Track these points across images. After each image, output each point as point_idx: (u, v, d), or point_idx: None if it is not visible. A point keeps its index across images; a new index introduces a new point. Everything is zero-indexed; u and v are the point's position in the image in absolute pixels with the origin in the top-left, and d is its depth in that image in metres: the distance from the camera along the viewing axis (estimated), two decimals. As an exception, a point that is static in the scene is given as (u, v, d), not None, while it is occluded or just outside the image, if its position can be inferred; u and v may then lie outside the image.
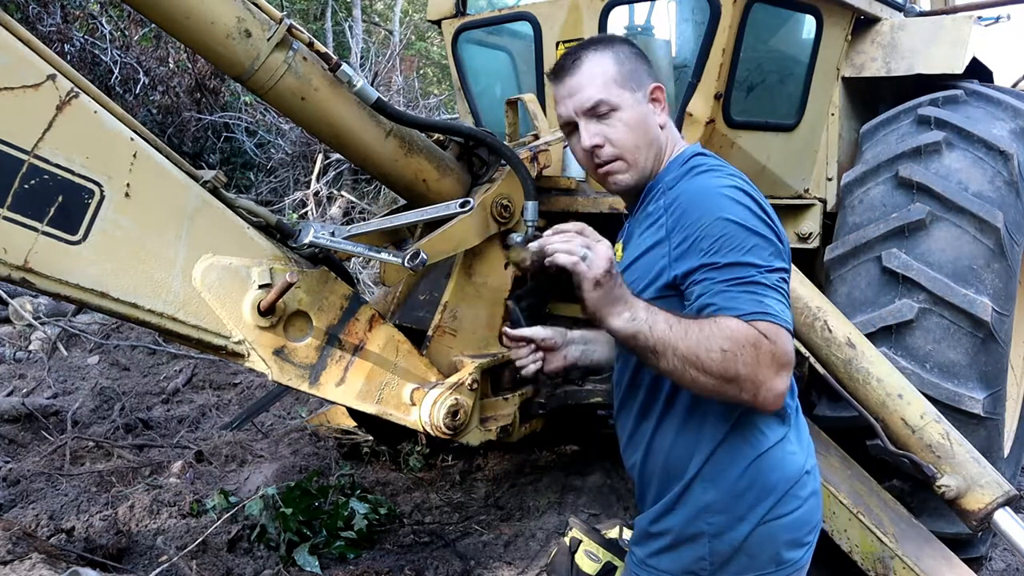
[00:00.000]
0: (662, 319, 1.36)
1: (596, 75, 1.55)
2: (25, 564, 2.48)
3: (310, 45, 2.09)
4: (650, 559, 1.60)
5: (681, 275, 1.42)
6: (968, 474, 2.41)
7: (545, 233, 1.44)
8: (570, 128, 1.61)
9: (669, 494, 1.57)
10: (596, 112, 1.55)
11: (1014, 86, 4.71)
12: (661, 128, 1.59)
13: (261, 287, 1.95)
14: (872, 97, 3.57)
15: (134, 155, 1.76)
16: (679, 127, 3.11)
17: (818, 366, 2.70)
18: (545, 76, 1.60)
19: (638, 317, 1.36)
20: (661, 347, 1.35)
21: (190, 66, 10.24)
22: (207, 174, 1.92)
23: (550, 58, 3.38)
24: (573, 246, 1.36)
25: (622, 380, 1.67)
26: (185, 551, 2.89)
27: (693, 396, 1.48)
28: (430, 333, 2.46)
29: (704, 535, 1.53)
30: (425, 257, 2.08)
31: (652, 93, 1.58)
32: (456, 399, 2.27)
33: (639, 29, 3.46)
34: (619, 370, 1.70)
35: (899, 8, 3.68)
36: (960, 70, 3.23)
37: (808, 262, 3.35)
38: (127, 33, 10.11)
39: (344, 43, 12.19)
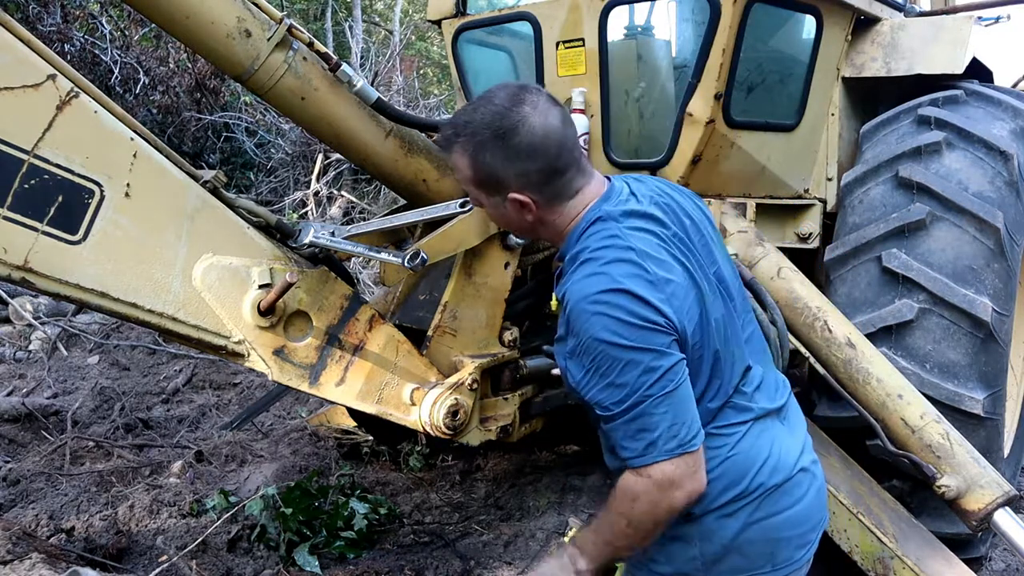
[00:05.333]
0: (591, 543, 1.53)
1: (458, 171, 1.58)
2: (25, 564, 2.48)
3: (310, 45, 2.09)
4: (645, 558, 1.62)
5: (575, 384, 1.48)
6: (968, 474, 2.41)
7: None
8: None
9: None
10: None
11: (1014, 86, 4.71)
12: (532, 224, 1.56)
13: (261, 287, 1.95)
14: (872, 97, 3.57)
15: (134, 155, 1.76)
16: (679, 127, 3.11)
17: (818, 366, 2.70)
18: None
19: (581, 565, 1.52)
20: (612, 554, 1.54)
21: (190, 66, 10.24)
22: (207, 174, 1.92)
23: (550, 58, 3.38)
24: None
25: None
26: (185, 551, 2.89)
27: None
28: (430, 333, 2.46)
29: (694, 535, 1.53)
30: (425, 257, 2.08)
31: (512, 203, 1.53)
32: (456, 399, 2.27)
33: (639, 29, 3.46)
34: None
35: (899, 8, 3.68)
36: (960, 70, 3.23)
37: (808, 262, 3.35)
38: (127, 33, 10.11)
39: (344, 43, 12.19)
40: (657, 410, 1.38)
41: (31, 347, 6.04)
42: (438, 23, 3.79)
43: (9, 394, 4.92)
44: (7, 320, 6.48)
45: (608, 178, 1.61)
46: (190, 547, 2.92)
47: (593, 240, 1.49)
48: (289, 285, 1.92)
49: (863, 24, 3.45)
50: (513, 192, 1.51)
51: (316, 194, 8.59)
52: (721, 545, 1.52)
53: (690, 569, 1.55)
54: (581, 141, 3.07)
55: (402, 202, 2.73)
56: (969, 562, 2.64)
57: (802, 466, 1.59)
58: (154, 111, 10.12)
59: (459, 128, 1.53)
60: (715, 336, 1.51)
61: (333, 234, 2.09)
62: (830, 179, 3.49)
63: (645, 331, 1.38)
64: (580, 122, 3.09)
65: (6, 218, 1.61)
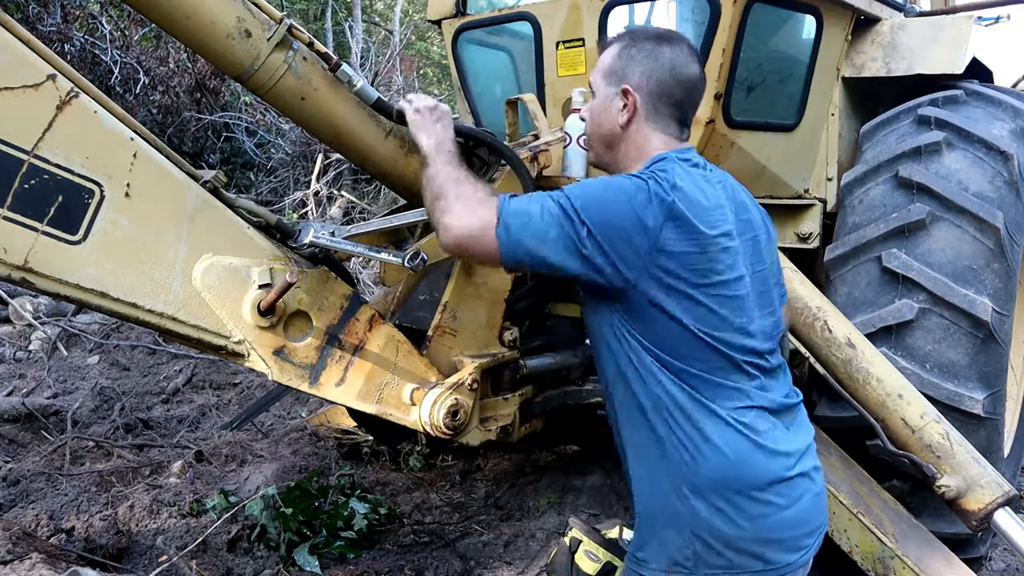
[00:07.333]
0: (445, 156, 1.84)
1: (600, 60, 1.77)
2: (25, 564, 2.48)
3: (310, 45, 2.08)
4: (639, 552, 1.65)
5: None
6: (968, 474, 2.41)
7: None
8: None
9: (648, 488, 1.62)
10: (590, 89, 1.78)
11: (1014, 86, 4.71)
12: (622, 128, 1.70)
13: (261, 287, 1.95)
14: (872, 97, 3.58)
15: (134, 155, 1.76)
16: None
17: (818, 366, 2.70)
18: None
19: (430, 145, 1.87)
20: (427, 163, 1.85)
21: (190, 66, 10.24)
22: (207, 174, 1.92)
23: (550, 58, 3.38)
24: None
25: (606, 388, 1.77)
26: (185, 551, 2.89)
27: (635, 396, 1.60)
28: (430, 333, 2.45)
29: (685, 526, 1.55)
30: (425, 257, 2.08)
31: (622, 94, 1.69)
32: (456, 399, 2.27)
33: (639, 29, 3.46)
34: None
35: (899, 8, 3.68)
36: (960, 70, 3.23)
37: (808, 262, 3.35)
38: (127, 33, 10.11)
39: (344, 43, 12.19)
40: (532, 219, 1.56)
41: (31, 347, 6.04)
42: (438, 23, 3.79)
43: (9, 394, 4.92)
44: (7, 320, 6.48)
45: (691, 146, 1.76)
46: (190, 547, 2.92)
47: (646, 169, 1.62)
48: (289, 285, 1.92)
49: (863, 24, 3.45)
50: (628, 84, 1.67)
51: (316, 194, 8.59)
52: (712, 538, 1.53)
53: (681, 558, 1.56)
54: (581, 141, 3.07)
55: (402, 202, 2.73)
56: (969, 562, 2.64)
57: (801, 470, 1.59)
58: (154, 111, 10.12)
59: (629, 31, 1.80)
60: (737, 315, 1.56)
61: (333, 234, 2.09)
62: (830, 179, 3.50)
63: (609, 209, 1.52)
64: (580, 123, 3.08)
65: (6, 218, 1.61)
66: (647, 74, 1.67)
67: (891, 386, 2.55)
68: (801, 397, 1.74)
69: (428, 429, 2.27)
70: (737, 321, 1.57)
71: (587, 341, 2.86)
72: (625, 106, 1.68)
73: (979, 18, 4.34)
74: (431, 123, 1.95)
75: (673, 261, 1.51)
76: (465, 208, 1.66)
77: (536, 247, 1.55)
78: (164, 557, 2.90)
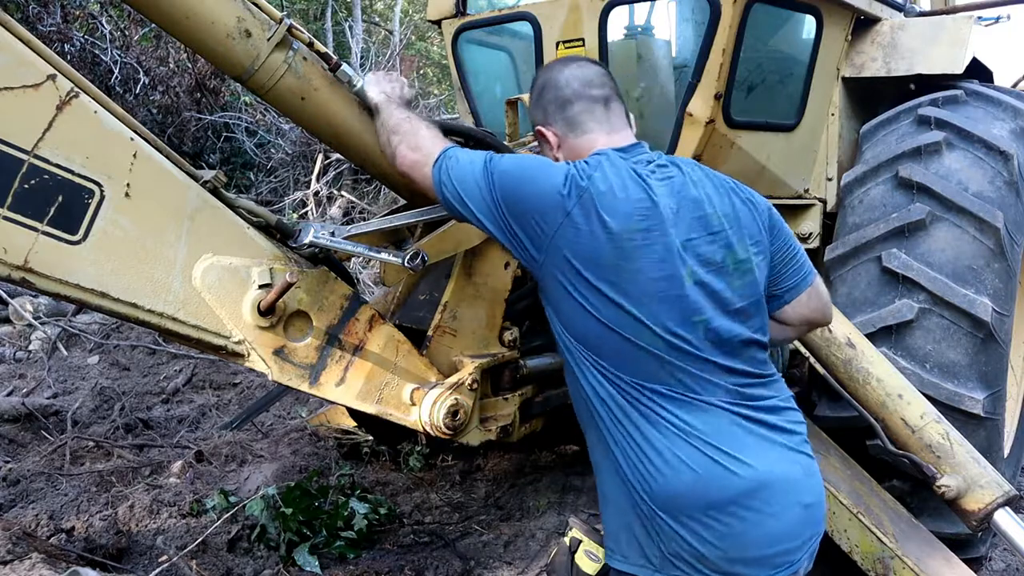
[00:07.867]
0: (396, 103, 1.99)
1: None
2: (25, 564, 2.48)
3: (310, 45, 2.08)
4: (609, 541, 1.67)
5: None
6: (968, 474, 2.41)
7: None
8: None
9: (611, 481, 1.64)
10: None
11: (1014, 86, 4.72)
12: (560, 157, 1.78)
13: (261, 287, 1.95)
14: (872, 97, 3.58)
15: (134, 155, 1.76)
16: (679, 127, 3.11)
17: (818, 366, 2.70)
18: None
19: (380, 97, 2.01)
20: (378, 112, 2.00)
21: (190, 66, 10.24)
22: (207, 174, 1.92)
23: (550, 58, 3.38)
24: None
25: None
26: (185, 551, 2.89)
27: (590, 403, 1.64)
28: (430, 333, 2.45)
29: (653, 531, 1.54)
30: (425, 257, 2.08)
31: (540, 137, 1.82)
32: (456, 399, 2.27)
33: (639, 29, 3.47)
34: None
35: (899, 8, 3.68)
36: (960, 70, 3.23)
37: (808, 262, 3.35)
38: (127, 33, 10.10)
39: (344, 43, 12.19)
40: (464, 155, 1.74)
41: (31, 347, 6.04)
42: (438, 23, 3.79)
43: (9, 394, 4.92)
44: (7, 320, 6.48)
45: (641, 143, 1.74)
46: (190, 547, 2.92)
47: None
48: (289, 285, 1.92)
49: (863, 24, 3.45)
50: (539, 126, 1.80)
51: (316, 194, 8.59)
52: (682, 551, 1.50)
53: (650, 554, 1.55)
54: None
55: (402, 202, 2.73)
56: (969, 562, 2.64)
57: (780, 479, 1.53)
58: (154, 111, 10.12)
59: None
60: (649, 309, 1.51)
61: (333, 234, 2.09)
62: (830, 179, 3.50)
63: (521, 174, 1.63)
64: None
65: (6, 218, 1.61)
66: (542, 107, 1.80)
67: (891, 386, 2.55)
68: (780, 400, 1.64)
69: (428, 429, 2.27)
70: (666, 322, 1.50)
71: None
72: (548, 142, 1.79)
73: (979, 18, 4.34)
74: (384, 82, 2.07)
75: (580, 248, 1.53)
76: (417, 140, 1.83)
77: (457, 194, 1.69)
78: (164, 557, 2.90)
